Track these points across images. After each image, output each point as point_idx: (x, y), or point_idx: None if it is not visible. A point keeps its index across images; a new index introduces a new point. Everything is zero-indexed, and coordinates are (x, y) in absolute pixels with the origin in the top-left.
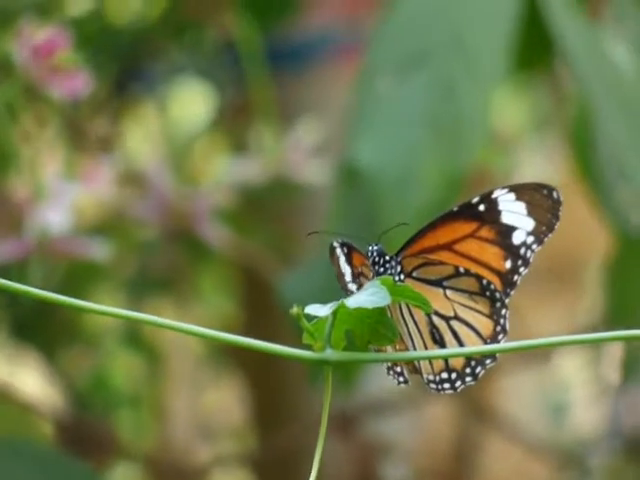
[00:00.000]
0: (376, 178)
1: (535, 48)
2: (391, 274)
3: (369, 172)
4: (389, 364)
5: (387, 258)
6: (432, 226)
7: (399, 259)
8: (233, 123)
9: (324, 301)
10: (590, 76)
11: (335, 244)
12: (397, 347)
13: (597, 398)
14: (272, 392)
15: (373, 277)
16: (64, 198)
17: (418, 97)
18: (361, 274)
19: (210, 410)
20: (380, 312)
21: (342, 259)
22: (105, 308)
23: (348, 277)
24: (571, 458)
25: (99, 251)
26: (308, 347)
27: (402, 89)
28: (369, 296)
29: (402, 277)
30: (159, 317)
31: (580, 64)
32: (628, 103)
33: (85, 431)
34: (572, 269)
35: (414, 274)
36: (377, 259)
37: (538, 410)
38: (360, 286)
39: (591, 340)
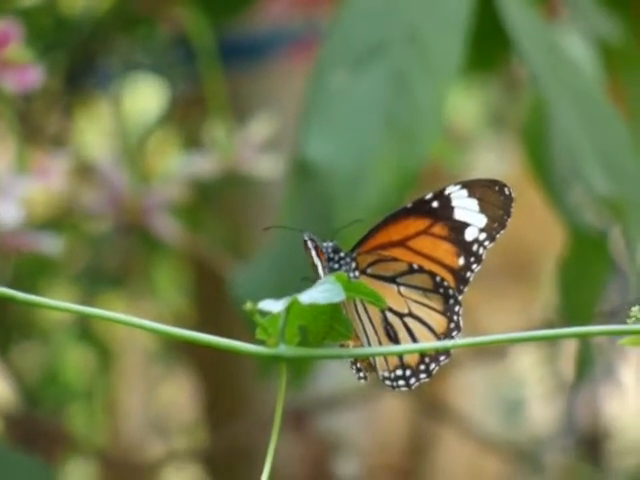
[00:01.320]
0: (328, 173)
1: (490, 44)
2: (346, 270)
3: (321, 167)
4: (352, 359)
5: (342, 255)
6: (386, 223)
7: (353, 255)
8: (186, 118)
9: (276, 296)
10: (545, 73)
11: (306, 237)
12: (352, 344)
13: (552, 395)
14: (224, 387)
15: (327, 273)
16: (15, 192)
17: (372, 91)
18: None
19: (162, 405)
20: (334, 308)
21: (314, 252)
22: (56, 303)
23: (320, 270)
24: (525, 454)
25: (51, 245)
26: (261, 343)
27: (356, 83)
28: (323, 292)
29: (357, 274)
30: (110, 311)
31: (535, 61)
32: (583, 100)
33: (37, 427)
34: (527, 265)
35: (368, 271)
36: (332, 255)
37: (492, 407)
38: None
39: (544, 337)
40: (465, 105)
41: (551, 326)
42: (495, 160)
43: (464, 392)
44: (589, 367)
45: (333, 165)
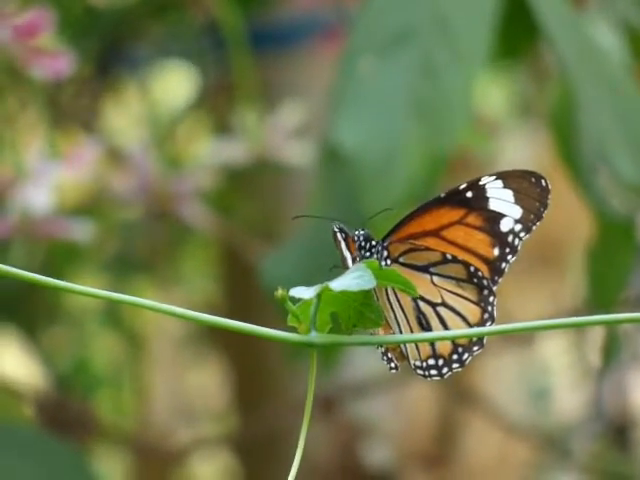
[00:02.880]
0: (358, 159)
1: (518, 32)
2: (378, 259)
3: (351, 153)
4: (384, 349)
5: (373, 243)
6: (419, 212)
7: (385, 244)
8: (216, 104)
9: (306, 282)
10: (573, 60)
11: (335, 229)
12: (383, 332)
13: (579, 382)
14: (253, 373)
15: (358, 262)
16: (46, 178)
17: (400, 78)
18: (355, 260)
19: (191, 392)
20: (365, 295)
21: (343, 244)
22: (86, 289)
23: (349, 262)
24: (552, 441)
25: (81, 232)
26: (292, 329)
27: (385, 70)
28: (354, 279)
29: (388, 262)
30: (140, 298)
31: (563, 48)
32: (611, 87)
33: (67, 412)
34: (556, 253)
35: (400, 260)
36: (363, 244)
37: (520, 393)
38: None
39: (572, 324)
40: (493, 93)
41: (578, 313)
42: (523, 148)
43: (492, 379)
44: (616, 354)
45: (362, 151)
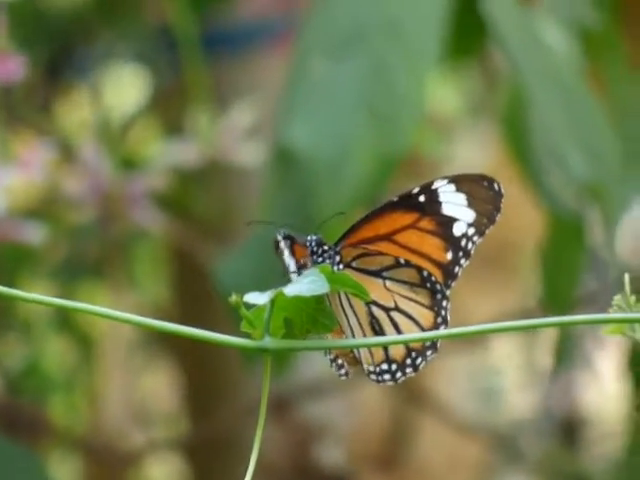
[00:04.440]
0: (309, 160)
1: (468, 32)
2: (330, 264)
3: (302, 154)
4: (332, 356)
5: (325, 248)
6: (371, 216)
7: (338, 249)
8: (168, 106)
9: (259, 286)
10: (523, 59)
11: (279, 237)
12: (336, 337)
13: (530, 382)
14: (205, 377)
15: (311, 267)
16: None
17: (352, 79)
18: (303, 266)
19: (144, 395)
20: (318, 300)
21: (286, 252)
22: (38, 297)
23: (293, 269)
24: (504, 441)
25: (33, 235)
26: (246, 334)
27: (336, 71)
28: (307, 284)
29: (341, 267)
30: (91, 304)
31: (513, 47)
32: (561, 86)
33: (19, 416)
34: (508, 254)
35: (353, 264)
36: (315, 249)
37: (471, 394)
38: None
39: (526, 327)
40: (444, 94)
41: (531, 313)
42: (474, 148)
43: (443, 379)
44: (568, 355)
45: (313, 152)
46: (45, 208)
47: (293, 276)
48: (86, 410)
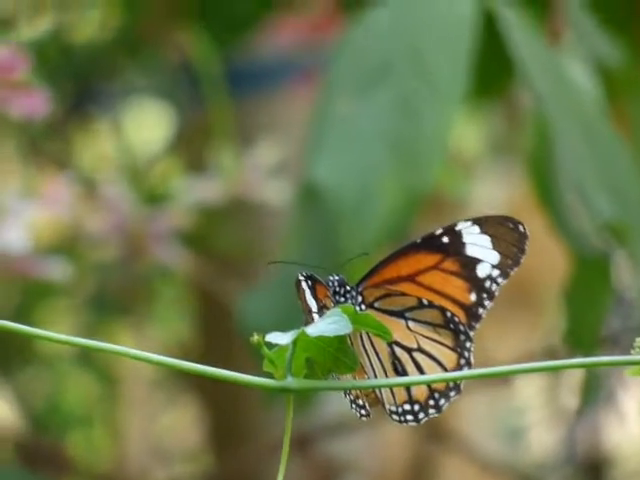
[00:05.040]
0: (334, 196)
1: (493, 71)
2: (352, 304)
3: (327, 191)
4: (352, 397)
5: (348, 288)
6: (394, 257)
7: (360, 289)
8: (191, 143)
9: (282, 324)
10: (549, 97)
11: (301, 277)
12: (358, 378)
13: (553, 422)
14: (227, 413)
15: (333, 307)
16: (21, 217)
17: (377, 115)
18: (324, 307)
19: (166, 432)
20: (340, 340)
21: (308, 293)
22: (60, 336)
23: (314, 309)
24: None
25: (56, 271)
26: (268, 374)
27: (361, 107)
28: (330, 324)
29: (363, 307)
30: (113, 343)
31: (539, 85)
32: (588, 125)
33: (42, 452)
34: (532, 293)
35: (375, 305)
36: (338, 289)
37: (494, 432)
38: None
39: (551, 368)
40: (467, 133)
41: (555, 353)
42: (497, 187)
43: (466, 417)
44: (594, 395)
45: (338, 189)
46: (68, 244)
47: (315, 317)
48: (108, 446)
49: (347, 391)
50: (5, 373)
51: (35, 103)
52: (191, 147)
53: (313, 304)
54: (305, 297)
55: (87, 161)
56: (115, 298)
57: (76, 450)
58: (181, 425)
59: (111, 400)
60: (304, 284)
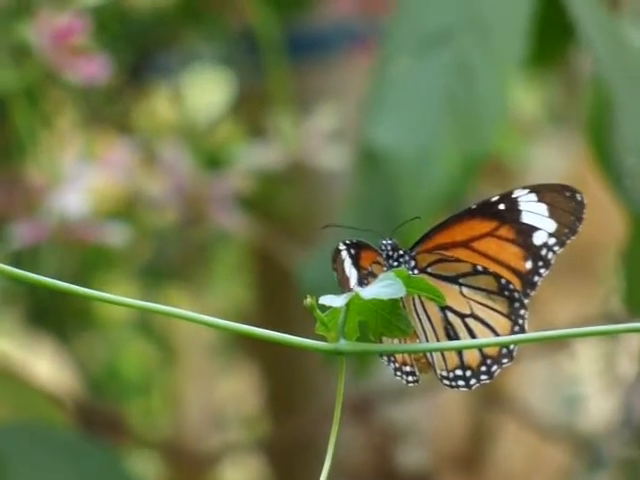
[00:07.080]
0: (393, 159)
1: (553, 37)
2: (405, 268)
3: (386, 154)
4: (397, 365)
5: (401, 252)
6: (448, 223)
7: (413, 254)
8: (250, 109)
9: (338, 288)
10: (609, 62)
11: (341, 246)
12: (409, 343)
13: (612, 389)
14: (286, 379)
15: (386, 271)
16: (81, 182)
17: (436, 79)
18: (371, 274)
19: (223, 398)
20: (394, 304)
21: (347, 262)
22: (118, 298)
23: (353, 281)
24: (584, 446)
25: (115, 237)
26: (323, 337)
27: (420, 70)
28: (384, 287)
29: (416, 272)
30: (172, 306)
31: (599, 50)
32: None
33: (100, 417)
34: (590, 257)
35: (429, 270)
36: (391, 253)
37: (553, 399)
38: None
39: (608, 332)
40: (527, 99)
41: (613, 318)
42: (554, 154)
43: (525, 385)
44: None
45: (397, 152)
46: (128, 209)
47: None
48: (166, 413)
49: (392, 358)
50: (64, 338)
51: (95, 68)
52: (251, 113)
53: (354, 273)
54: (344, 267)
55: (147, 126)
56: (174, 264)
57: (134, 416)
58: (239, 392)
59: (169, 367)
60: (344, 253)
